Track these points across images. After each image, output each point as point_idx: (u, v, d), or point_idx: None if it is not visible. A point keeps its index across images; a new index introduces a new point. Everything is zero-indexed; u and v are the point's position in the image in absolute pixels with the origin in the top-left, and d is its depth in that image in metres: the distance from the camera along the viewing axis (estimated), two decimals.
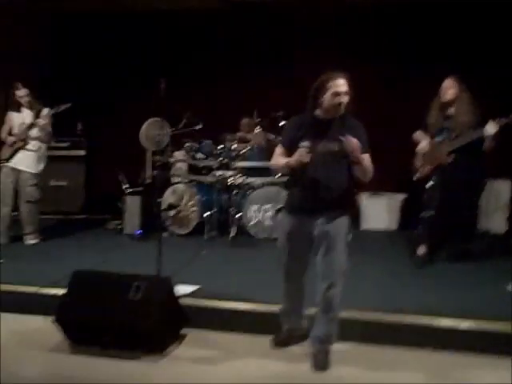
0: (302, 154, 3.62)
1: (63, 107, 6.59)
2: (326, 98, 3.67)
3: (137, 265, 5.31)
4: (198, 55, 8.64)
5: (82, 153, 8.75)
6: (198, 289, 5.00)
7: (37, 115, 6.70)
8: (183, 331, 4.37)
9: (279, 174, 6.71)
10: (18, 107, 6.79)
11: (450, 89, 5.90)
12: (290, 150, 3.78)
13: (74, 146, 8.74)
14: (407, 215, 7.65)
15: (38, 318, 4.58)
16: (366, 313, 4.43)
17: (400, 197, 7.92)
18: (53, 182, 8.67)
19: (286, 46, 8.21)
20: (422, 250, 6.07)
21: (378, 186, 7.97)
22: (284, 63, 7.96)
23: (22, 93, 6.71)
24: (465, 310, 4.47)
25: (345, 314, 4.08)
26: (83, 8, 8.58)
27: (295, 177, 3.84)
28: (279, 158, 3.86)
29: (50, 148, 8.26)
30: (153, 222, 6.87)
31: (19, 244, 6.79)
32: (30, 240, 6.81)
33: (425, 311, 4.45)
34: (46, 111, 6.72)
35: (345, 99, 3.64)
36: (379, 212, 7.99)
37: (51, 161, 8.32)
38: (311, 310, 4.04)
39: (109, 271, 4.54)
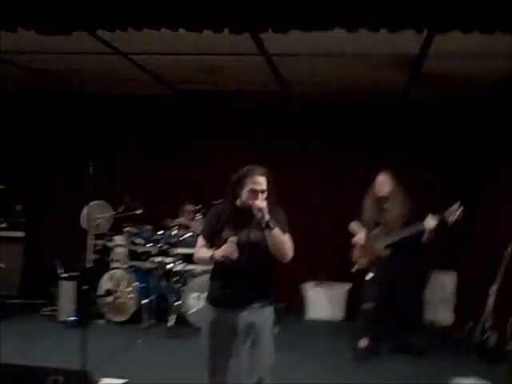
0: (230, 249, 3.50)
1: None
2: (244, 194, 3.60)
3: (66, 354, 5.08)
4: (140, 140, 8.59)
5: (20, 234, 8.46)
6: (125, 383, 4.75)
7: None
8: None
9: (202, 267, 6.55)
10: None
11: (384, 184, 6.00)
12: (211, 241, 3.68)
13: (12, 226, 8.44)
14: (353, 305, 7.55)
15: None
16: None
17: (345, 286, 7.84)
18: None
19: (222, 134, 8.26)
20: (363, 343, 5.95)
21: (324, 275, 7.97)
22: (221, 151, 7.99)
23: None
24: None
25: None
26: (23, 87, 8.50)
27: (217, 268, 3.72)
28: (203, 250, 3.73)
29: None
30: (88, 308, 6.63)
31: None
32: None
33: None
34: None
35: (263, 203, 3.49)
36: (324, 302, 7.89)
37: None
38: None
39: (24, 364, 4.25)
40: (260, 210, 3.44)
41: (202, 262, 3.78)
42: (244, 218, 3.58)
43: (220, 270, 3.68)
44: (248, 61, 6.41)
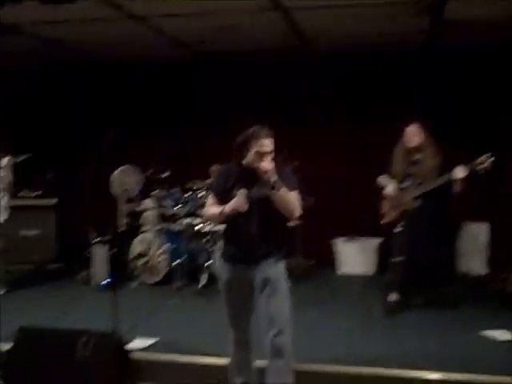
0: (240, 201, 3.55)
1: (22, 157, 6.47)
2: (249, 156, 3.62)
3: (100, 317, 5.10)
4: (167, 103, 8.61)
5: (53, 201, 8.58)
6: (156, 342, 4.85)
7: None
8: None
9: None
10: None
11: (414, 135, 5.88)
12: (221, 200, 3.72)
13: (45, 194, 8.58)
14: (384, 259, 7.53)
15: None
16: (332, 366, 4.33)
17: (376, 241, 7.82)
18: (23, 232, 8.48)
19: (254, 95, 8.20)
20: (392, 297, 5.94)
21: (354, 230, 7.95)
22: (246, 112, 7.93)
23: None
24: (437, 360, 4.36)
25: (312, 367, 4.09)
26: (45, 58, 8.55)
27: (229, 226, 3.79)
28: (213, 208, 3.78)
29: (20, 197, 8.23)
30: (120, 271, 6.73)
31: None
32: None
33: (393, 362, 4.34)
34: (5, 161, 6.60)
35: (267, 160, 3.55)
36: (355, 257, 7.89)
37: (22, 210, 8.26)
38: (261, 363, 3.87)
39: (56, 327, 4.37)
40: (266, 172, 3.48)
41: (213, 218, 3.83)
42: (252, 176, 3.61)
43: (232, 228, 3.75)
44: (265, 18, 6.32)
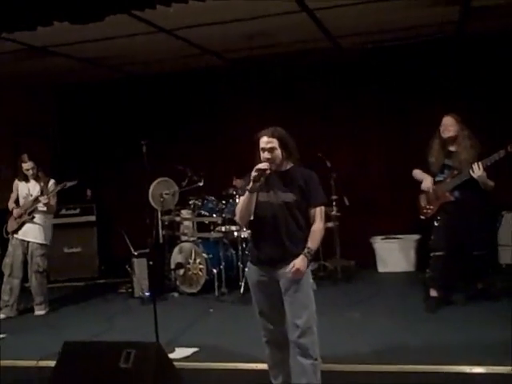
0: (264, 164, 3.66)
1: (69, 184, 6.63)
2: (259, 155, 3.79)
3: (143, 328, 5.26)
4: (198, 113, 8.73)
5: (92, 218, 8.77)
6: (197, 351, 4.89)
7: (44, 187, 6.74)
8: None
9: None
10: (25, 178, 6.85)
11: (451, 126, 5.78)
12: None
13: (84, 212, 8.76)
14: (424, 256, 7.46)
15: None
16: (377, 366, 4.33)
17: (413, 238, 7.76)
18: (66, 249, 8.68)
19: (277, 98, 8.27)
20: (433, 293, 5.87)
21: (391, 228, 7.91)
22: (278, 115, 7.96)
23: (28, 166, 6.76)
24: (481, 355, 4.31)
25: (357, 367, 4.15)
26: (82, 78, 8.75)
27: (255, 229, 3.91)
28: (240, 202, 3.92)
29: (61, 215, 8.42)
30: (159, 283, 6.79)
31: (27, 316, 6.76)
32: (39, 311, 6.79)
33: (437, 358, 4.32)
34: (51, 182, 6.76)
35: (270, 155, 3.73)
36: (395, 255, 7.84)
37: (63, 228, 8.45)
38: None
39: (99, 340, 4.45)
40: (258, 170, 3.61)
41: (241, 209, 3.82)
42: (274, 179, 3.75)
43: (258, 231, 3.86)
44: (293, 20, 6.38)
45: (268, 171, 3.63)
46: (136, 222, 8.00)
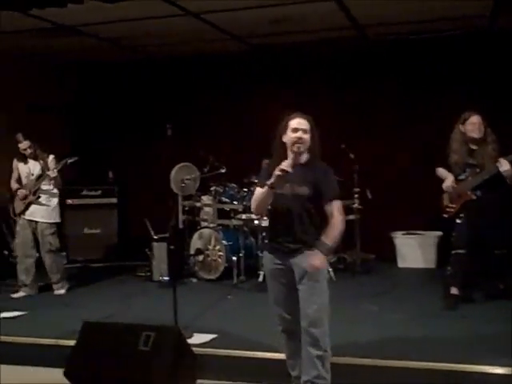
0: (288, 162, 3.66)
1: (70, 161, 6.59)
2: (287, 137, 3.77)
3: (161, 312, 5.29)
4: (220, 99, 8.70)
5: (114, 200, 8.80)
6: (215, 338, 4.89)
7: (45, 165, 6.71)
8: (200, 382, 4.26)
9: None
10: (23, 159, 6.81)
11: (476, 125, 5.70)
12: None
13: (105, 193, 8.80)
14: (445, 253, 7.40)
15: (56, 371, 4.50)
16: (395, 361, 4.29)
17: (435, 234, 7.72)
18: (86, 230, 8.73)
19: (300, 86, 8.20)
20: (453, 291, 5.82)
21: (413, 224, 7.86)
22: (300, 103, 7.94)
23: (24, 145, 6.69)
24: (501, 354, 4.26)
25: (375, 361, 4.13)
26: (104, 57, 8.75)
27: (271, 219, 3.95)
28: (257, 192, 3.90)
29: (82, 196, 8.48)
30: (179, 267, 6.80)
31: (47, 294, 6.81)
32: (58, 290, 6.82)
33: (455, 357, 4.26)
34: (51, 158, 6.73)
35: (303, 136, 3.73)
36: (415, 251, 7.81)
37: (84, 209, 8.51)
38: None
39: (118, 322, 4.46)
40: (282, 170, 3.60)
41: (258, 202, 3.84)
42: (291, 172, 3.70)
43: (274, 221, 3.89)
44: (320, 7, 6.34)
45: (290, 170, 3.64)
46: (157, 206, 8.07)
